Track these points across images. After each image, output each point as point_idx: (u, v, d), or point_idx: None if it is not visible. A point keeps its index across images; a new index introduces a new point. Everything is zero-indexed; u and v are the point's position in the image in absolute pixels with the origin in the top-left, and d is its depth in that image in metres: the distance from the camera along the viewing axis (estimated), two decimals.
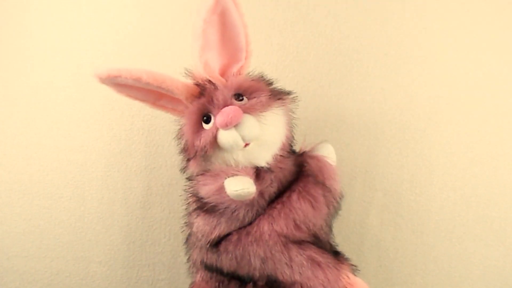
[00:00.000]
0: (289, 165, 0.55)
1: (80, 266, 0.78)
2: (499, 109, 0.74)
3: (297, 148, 0.60)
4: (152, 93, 0.56)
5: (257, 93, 0.51)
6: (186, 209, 0.58)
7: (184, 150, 0.54)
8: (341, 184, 0.57)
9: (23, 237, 0.77)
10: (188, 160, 0.53)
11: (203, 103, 0.51)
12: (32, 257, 0.78)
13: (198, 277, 0.57)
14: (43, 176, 0.76)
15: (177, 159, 0.76)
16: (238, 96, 0.51)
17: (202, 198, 0.53)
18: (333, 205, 0.55)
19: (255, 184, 0.49)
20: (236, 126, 0.48)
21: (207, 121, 0.51)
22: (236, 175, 0.49)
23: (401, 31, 0.74)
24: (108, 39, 0.75)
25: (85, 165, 0.76)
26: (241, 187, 0.47)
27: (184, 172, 0.55)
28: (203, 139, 0.50)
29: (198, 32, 0.51)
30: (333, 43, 0.74)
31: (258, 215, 0.51)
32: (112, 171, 0.76)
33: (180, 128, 0.55)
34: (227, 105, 0.49)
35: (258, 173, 0.51)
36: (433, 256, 0.76)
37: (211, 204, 0.52)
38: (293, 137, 0.57)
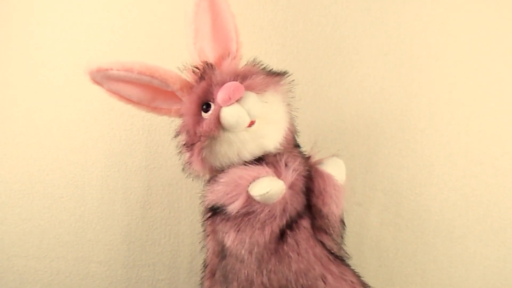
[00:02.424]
0: (302, 162, 0.51)
1: (80, 266, 0.78)
2: (499, 109, 0.74)
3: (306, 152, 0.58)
4: (146, 92, 0.54)
5: (252, 75, 0.50)
6: (204, 224, 0.54)
7: (186, 142, 0.50)
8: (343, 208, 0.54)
9: (23, 237, 0.77)
10: (191, 151, 0.49)
11: (203, 87, 0.49)
12: (32, 257, 0.78)
13: None
14: (43, 176, 0.76)
15: (177, 159, 0.76)
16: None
17: (224, 209, 0.47)
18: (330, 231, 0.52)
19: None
20: (238, 101, 0.46)
21: (207, 109, 0.49)
22: (257, 177, 0.45)
23: (401, 31, 0.74)
24: (108, 39, 0.75)
25: (85, 165, 0.76)
26: (268, 188, 0.43)
27: (187, 169, 0.52)
28: (206, 124, 0.47)
29: (191, 17, 0.51)
30: (333, 43, 0.74)
31: (296, 211, 0.48)
32: (112, 171, 0.76)
33: (180, 125, 0.52)
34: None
35: (277, 168, 0.48)
36: (433, 256, 0.76)
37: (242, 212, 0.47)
38: (296, 130, 0.56)
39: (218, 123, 0.46)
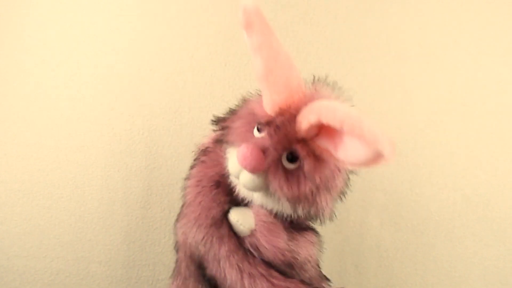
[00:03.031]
0: None
1: (80, 266, 0.78)
2: (499, 109, 0.74)
3: None
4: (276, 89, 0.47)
5: None
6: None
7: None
8: None
9: (23, 237, 0.77)
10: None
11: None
12: (32, 257, 0.78)
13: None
14: (43, 176, 0.76)
15: (177, 159, 0.76)
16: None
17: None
18: None
19: None
20: None
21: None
22: None
23: (401, 31, 0.74)
24: (108, 39, 0.75)
25: (85, 165, 0.76)
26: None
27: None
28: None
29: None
30: (333, 43, 0.74)
31: None
32: (112, 171, 0.76)
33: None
34: None
35: None
36: (433, 256, 0.76)
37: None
38: None
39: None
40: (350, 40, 0.74)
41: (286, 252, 0.50)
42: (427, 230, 0.76)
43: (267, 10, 0.74)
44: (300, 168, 0.45)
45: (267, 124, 0.46)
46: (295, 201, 0.46)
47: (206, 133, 0.57)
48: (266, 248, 0.49)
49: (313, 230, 0.55)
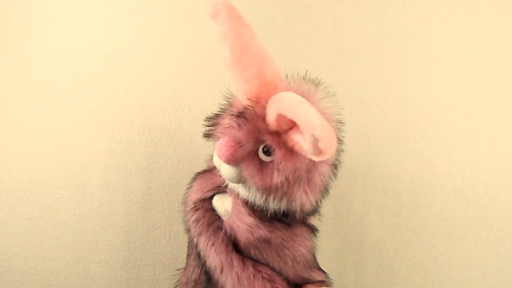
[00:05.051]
0: None
1: (80, 266, 0.78)
2: (499, 109, 0.74)
3: None
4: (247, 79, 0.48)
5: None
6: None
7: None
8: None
9: (23, 237, 0.77)
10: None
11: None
12: (32, 257, 0.78)
13: None
14: (43, 176, 0.76)
15: (177, 159, 0.76)
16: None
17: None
18: None
19: None
20: None
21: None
22: None
23: (401, 31, 0.74)
24: (108, 39, 0.75)
25: (85, 165, 0.76)
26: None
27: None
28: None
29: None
30: (333, 43, 0.74)
31: None
32: (112, 171, 0.76)
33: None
34: None
35: None
36: (433, 256, 0.76)
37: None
38: None
39: None
40: (350, 40, 0.74)
41: (255, 228, 0.51)
42: (427, 230, 0.76)
43: (267, 10, 0.74)
44: (274, 160, 0.46)
45: (237, 116, 0.47)
46: (266, 191, 0.48)
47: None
48: (238, 226, 0.52)
49: (306, 224, 0.56)
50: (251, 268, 0.51)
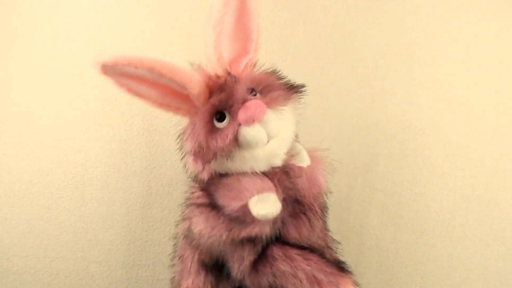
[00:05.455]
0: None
1: (80, 266, 0.78)
2: (499, 109, 0.74)
3: None
4: (158, 89, 0.50)
5: (270, 87, 0.48)
6: (187, 198, 0.54)
7: (197, 153, 0.47)
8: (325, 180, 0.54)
9: (23, 237, 0.77)
10: (200, 162, 0.48)
11: (222, 98, 0.46)
12: (32, 257, 0.78)
13: (190, 283, 0.53)
14: (43, 176, 0.76)
15: (177, 159, 0.76)
16: (252, 90, 0.48)
17: (212, 195, 0.49)
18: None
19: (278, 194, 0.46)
20: (260, 121, 0.45)
21: (221, 119, 0.47)
22: (261, 192, 0.45)
23: (401, 31, 0.74)
24: (109, 38, 0.75)
25: (85, 165, 0.76)
26: (269, 210, 0.43)
27: (199, 177, 0.50)
28: (221, 139, 0.45)
29: (216, 18, 0.47)
30: (333, 43, 0.74)
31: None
32: (112, 171, 0.76)
33: (186, 129, 0.49)
34: (246, 100, 0.46)
35: (279, 180, 0.48)
36: (433, 256, 0.76)
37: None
38: (297, 136, 0.55)
39: (235, 141, 0.46)
40: (350, 40, 0.74)
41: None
42: (427, 230, 0.76)
43: (267, 10, 0.74)
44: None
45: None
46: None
47: None
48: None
49: None
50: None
